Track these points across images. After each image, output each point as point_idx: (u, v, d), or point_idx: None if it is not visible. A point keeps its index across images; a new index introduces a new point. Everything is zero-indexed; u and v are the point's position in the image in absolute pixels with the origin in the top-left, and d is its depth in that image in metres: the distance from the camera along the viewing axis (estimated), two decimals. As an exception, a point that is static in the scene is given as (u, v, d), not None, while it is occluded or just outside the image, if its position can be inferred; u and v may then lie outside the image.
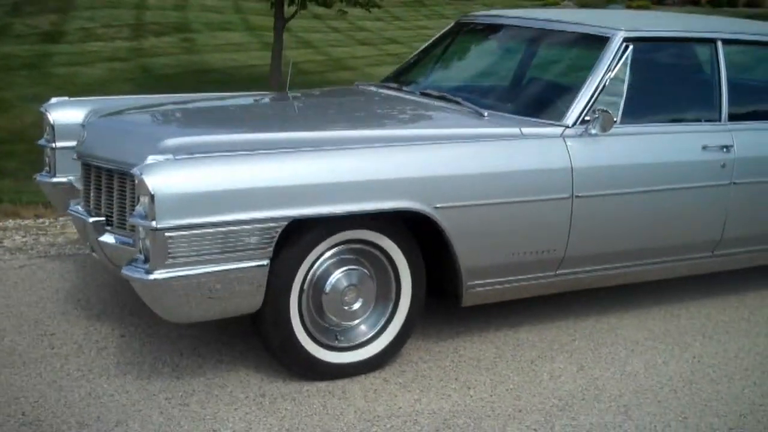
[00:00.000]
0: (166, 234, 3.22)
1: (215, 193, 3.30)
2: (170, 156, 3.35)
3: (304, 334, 3.67)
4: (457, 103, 4.39)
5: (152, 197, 3.19)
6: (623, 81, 4.25)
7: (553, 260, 4.10)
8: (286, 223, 3.41)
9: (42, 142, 4.82)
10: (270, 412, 3.47)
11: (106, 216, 3.89)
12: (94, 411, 3.39)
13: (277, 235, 3.41)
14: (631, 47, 4.30)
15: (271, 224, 3.38)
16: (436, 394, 3.69)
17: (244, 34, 19.12)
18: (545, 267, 4.11)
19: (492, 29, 5.13)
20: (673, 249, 4.49)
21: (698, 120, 4.55)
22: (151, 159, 3.30)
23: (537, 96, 4.48)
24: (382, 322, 3.83)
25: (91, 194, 3.98)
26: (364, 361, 3.80)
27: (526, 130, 4.06)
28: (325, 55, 17.38)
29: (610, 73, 4.22)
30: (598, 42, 4.35)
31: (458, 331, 4.33)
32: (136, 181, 3.28)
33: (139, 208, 3.29)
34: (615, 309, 4.73)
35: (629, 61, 4.28)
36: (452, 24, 5.44)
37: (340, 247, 3.67)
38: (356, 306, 3.76)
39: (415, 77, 5.11)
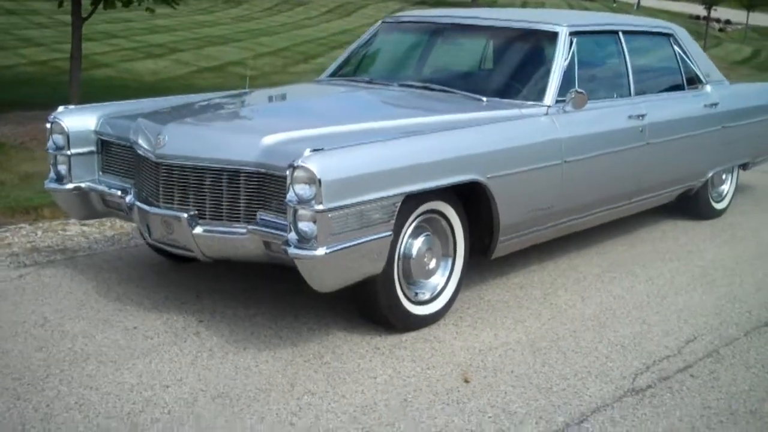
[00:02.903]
0: (329, 215, 3.76)
1: (358, 177, 3.88)
2: (321, 148, 3.84)
3: (402, 294, 4.33)
4: (451, 92, 5.18)
5: (319, 183, 3.71)
6: (573, 66, 5.28)
7: (550, 214, 5.06)
8: (402, 198, 4.06)
9: (50, 149, 4.94)
10: (390, 358, 4.11)
11: (198, 211, 4.24)
12: (254, 380, 3.84)
13: (397, 210, 4.05)
14: (574, 39, 5.34)
15: (393, 200, 4.02)
16: (502, 330, 4.51)
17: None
18: (545, 220, 5.06)
19: (448, 27, 5.95)
20: (618, 197, 5.64)
21: (620, 95, 5.69)
22: (308, 152, 3.78)
23: (514, 82, 5.36)
24: (447, 275, 4.57)
25: (175, 192, 4.29)
26: (439, 310, 4.53)
27: (524, 111, 4.97)
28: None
29: (564, 60, 5.24)
30: (550, 36, 5.35)
31: (474, 282, 5.13)
32: (296, 172, 3.76)
33: (299, 194, 3.76)
34: (579, 250, 5.78)
35: (574, 50, 5.32)
36: (380, 23, 6.19)
37: (420, 218, 4.36)
38: (431, 265, 4.47)
39: (379, 72, 5.81)
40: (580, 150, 5.11)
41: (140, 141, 4.50)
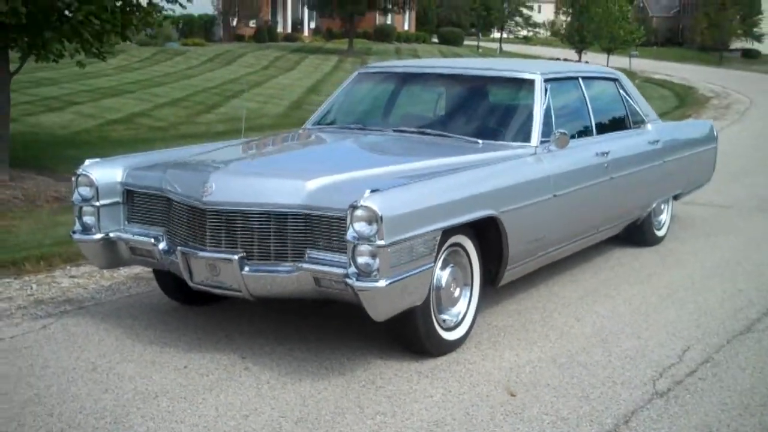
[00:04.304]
0: (389, 249, 4.16)
1: (410, 214, 4.30)
2: (378, 189, 4.23)
3: (436, 321, 4.74)
4: (447, 136, 5.67)
5: (381, 220, 4.10)
6: (549, 110, 5.86)
7: (543, 244, 5.58)
8: (440, 233, 4.50)
9: (76, 201, 5.14)
10: (436, 380, 4.51)
11: (246, 252, 4.55)
12: (323, 406, 4.18)
13: (437, 243, 4.49)
14: (548, 86, 5.94)
15: (434, 234, 4.45)
16: (520, 350, 4.97)
17: None
18: (538, 250, 5.58)
19: (429, 76, 6.46)
20: (590, 227, 6.23)
21: (585, 134, 6.31)
22: (368, 193, 4.17)
23: (501, 125, 5.88)
24: (467, 302, 5.01)
25: (223, 236, 4.58)
26: (463, 335, 4.97)
27: (516, 151, 5.50)
28: None
29: (543, 105, 5.82)
30: (527, 83, 5.93)
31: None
32: (357, 212, 4.14)
33: (359, 231, 4.14)
34: (553, 278, 6.31)
35: (549, 96, 5.91)
36: (356, 74, 6.65)
37: (446, 251, 4.79)
38: (456, 294, 4.92)
39: (370, 119, 6.24)
40: (565, 185, 5.67)
41: (179, 189, 4.77)
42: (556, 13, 77.36)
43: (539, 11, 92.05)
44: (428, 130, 5.81)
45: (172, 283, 5.50)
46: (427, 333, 4.68)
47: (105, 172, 5.15)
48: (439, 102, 6.42)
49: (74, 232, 5.21)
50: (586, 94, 6.45)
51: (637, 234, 7.37)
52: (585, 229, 6.21)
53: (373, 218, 4.12)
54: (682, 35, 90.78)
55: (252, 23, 52.74)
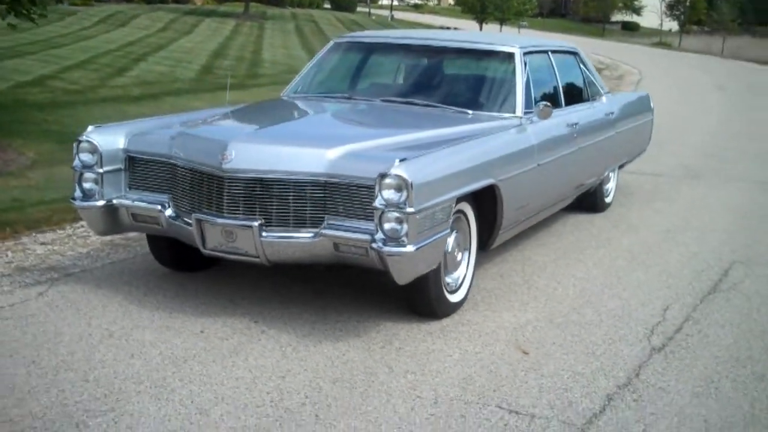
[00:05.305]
0: (417, 216, 4.34)
1: (434, 182, 4.49)
2: (403, 157, 4.39)
3: (443, 285, 4.96)
4: (436, 107, 5.85)
5: (411, 187, 4.28)
6: (529, 82, 6.12)
7: (526, 210, 5.86)
8: (455, 199, 4.70)
9: (77, 167, 5.11)
10: (449, 339, 4.74)
11: (265, 219, 4.65)
12: (352, 367, 4.36)
13: (453, 210, 4.69)
14: (526, 59, 6.19)
15: (450, 202, 4.65)
16: (516, 311, 5.24)
17: None
18: (522, 215, 5.85)
19: (411, 47, 6.60)
20: (561, 194, 6.55)
21: (556, 106, 6.59)
22: (397, 162, 4.32)
23: (486, 97, 6.08)
24: (466, 266, 5.24)
25: (240, 203, 4.66)
26: (463, 298, 5.20)
27: (503, 122, 5.74)
28: None
29: (523, 77, 6.07)
30: (508, 56, 6.16)
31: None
32: (387, 179, 4.29)
33: (387, 198, 4.30)
34: (523, 243, 6.59)
35: (528, 68, 6.16)
36: (332, 43, 6.75)
37: (453, 217, 5.00)
38: (458, 258, 5.14)
39: (354, 89, 6.36)
40: (546, 155, 5.95)
41: (193, 156, 4.81)
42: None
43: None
44: (416, 101, 5.96)
45: (166, 249, 5.53)
46: (437, 296, 4.89)
47: (108, 139, 5.13)
48: (421, 73, 6.56)
49: (74, 199, 5.17)
50: (555, 67, 6.73)
51: (589, 201, 7.74)
52: (557, 197, 6.52)
53: (403, 186, 4.28)
54: (566, 7, 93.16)
55: (142, -16, 51.34)
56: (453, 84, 6.30)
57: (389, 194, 4.33)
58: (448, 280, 5.07)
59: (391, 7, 66.10)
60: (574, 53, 7.43)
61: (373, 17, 57.55)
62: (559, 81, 6.73)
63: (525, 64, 6.12)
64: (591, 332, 4.94)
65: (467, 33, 8.63)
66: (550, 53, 6.78)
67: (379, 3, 77.77)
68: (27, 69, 17.83)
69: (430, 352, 4.56)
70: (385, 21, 54.05)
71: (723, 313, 5.39)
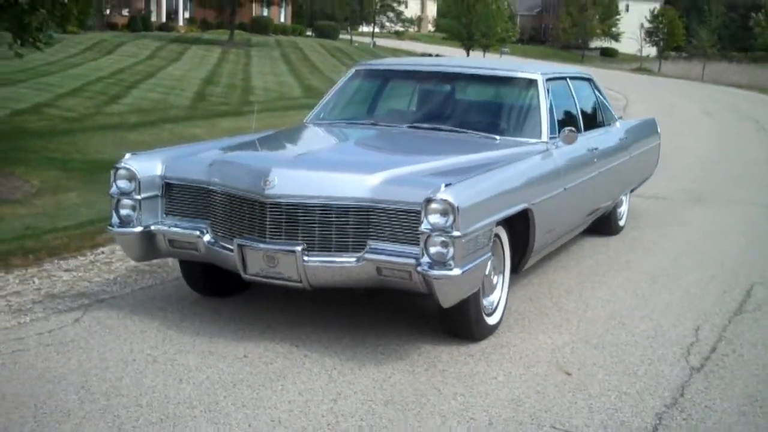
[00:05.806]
0: (463, 239, 4.39)
1: (477, 206, 4.55)
2: (446, 182, 4.45)
3: (482, 308, 5.01)
4: (464, 132, 5.92)
5: (458, 211, 4.34)
6: (552, 107, 6.21)
7: (554, 233, 5.93)
8: (495, 223, 4.76)
9: (114, 194, 5.14)
10: (491, 362, 4.78)
11: (307, 244, 4.69)
12: (401, 389, 4.39)
13: (492, 234, 4.75)
14: (549, 85, 6.29)
15: (491, 226, 4.71)
16: (550, 333, 5.29)
17: None
18: (550, 238, 5.92)
19: (433, 74, 6.68)
20: (584, 217, 6.63)
21: (578, 131, 6.67)
22: (443, 187, 4.38)
23: (512, 123, 6.16)
24: (501, 288, 5.30)
25: (283, 228, 4.69)
26: (499, 320, 5.25)
27: (531, 147, 5.81)
28: None
29: (547, 102, 6.16)
30: (531, 82, 6.26)
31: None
32: (433, 204, 4.35)
33: (433, 223, 4.35)
34: (546, 266, 6.65)
35: (550, 94, 6.26)
36: (353, 71, 6.83)
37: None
38: (495, 281, 5.20)
39: (377, 115, 6.43)
40: (571, 179, 6.03)
41: (235, 183, 4.84)
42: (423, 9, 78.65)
43: (406, 6, 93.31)
44: (442, 127, 6.03)
45: (200, 275, 5.55)
46: (477, 318, 4.93)
47: (145, 165, 5.16)
48: (445, 100, 6.62)
49: (112, 226, 5.19)
50: (573, 93, 6.83)
51: (604, 224, 7.83)
52: (580, 220, 6.60)
53: (449, 210, 4.34)
54: (545, 33, 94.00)
55: (125, 12, 51.42)
56: (477, 110, 6.38)
57: (435, 218, 4.38)
58: (485, 302, 5.11)
59: (373, 35, 66.50)
60: (589, 79, 7.54)
61: (356, 44, 57.86)
62: (578, 106, 6.82)
63: (548, 90, 6.21)
64: (628, 353, 5.00)
65: (484, 60, 8.74)
66: (568, 79, 6.88)
67: (360, 30, 78.18)
68: (20, 97, 17.81)
69: (475, 374, 4.60)
70: (368, 48, 54.38)
71: (753, 333, 5.46)
